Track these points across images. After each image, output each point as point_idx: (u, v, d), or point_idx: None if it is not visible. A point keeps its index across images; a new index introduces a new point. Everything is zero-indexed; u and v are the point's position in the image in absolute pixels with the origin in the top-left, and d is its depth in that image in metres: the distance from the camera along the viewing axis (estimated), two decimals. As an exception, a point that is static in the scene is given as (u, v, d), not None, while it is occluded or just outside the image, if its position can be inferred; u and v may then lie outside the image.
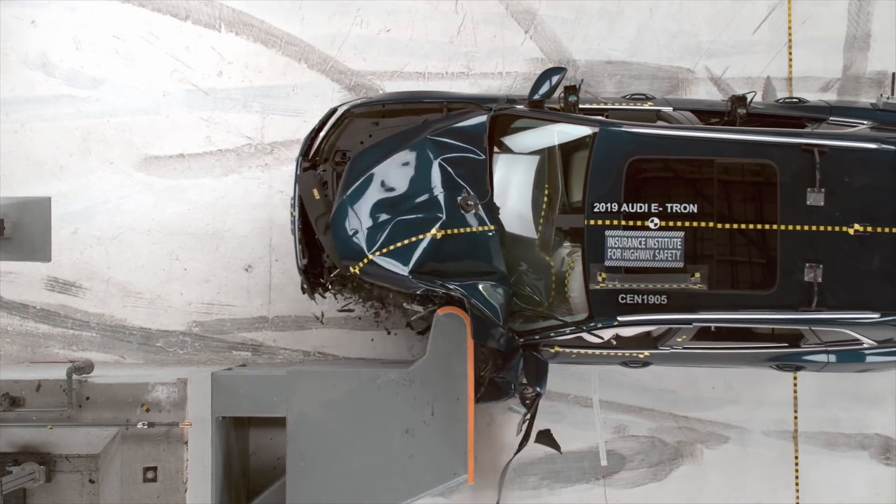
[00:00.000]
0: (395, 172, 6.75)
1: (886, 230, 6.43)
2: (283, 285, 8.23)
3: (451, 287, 6.59)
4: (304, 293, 7.32)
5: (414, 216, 6.68)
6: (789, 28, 8.25)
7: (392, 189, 6.74)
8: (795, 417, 8.23)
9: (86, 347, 8.24)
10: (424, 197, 6.70)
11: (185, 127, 8.22)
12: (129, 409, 6.72)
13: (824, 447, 8.23)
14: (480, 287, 6.58)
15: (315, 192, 7.04)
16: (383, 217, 6.70)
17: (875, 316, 6.44)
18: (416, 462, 7.02)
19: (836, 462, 8.23)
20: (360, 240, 6.68)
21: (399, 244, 6.64)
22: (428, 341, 7.11)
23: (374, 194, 6.73)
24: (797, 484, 8.23)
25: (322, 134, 7.16)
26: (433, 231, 6.63)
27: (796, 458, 8.24)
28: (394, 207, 6.70)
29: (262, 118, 8.19)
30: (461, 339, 7.03)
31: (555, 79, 6.83)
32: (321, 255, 7.14)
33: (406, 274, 6.63)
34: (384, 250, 6.66)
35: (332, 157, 7.12)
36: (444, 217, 6.66)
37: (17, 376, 6.80)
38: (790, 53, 8.23)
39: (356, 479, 7.03)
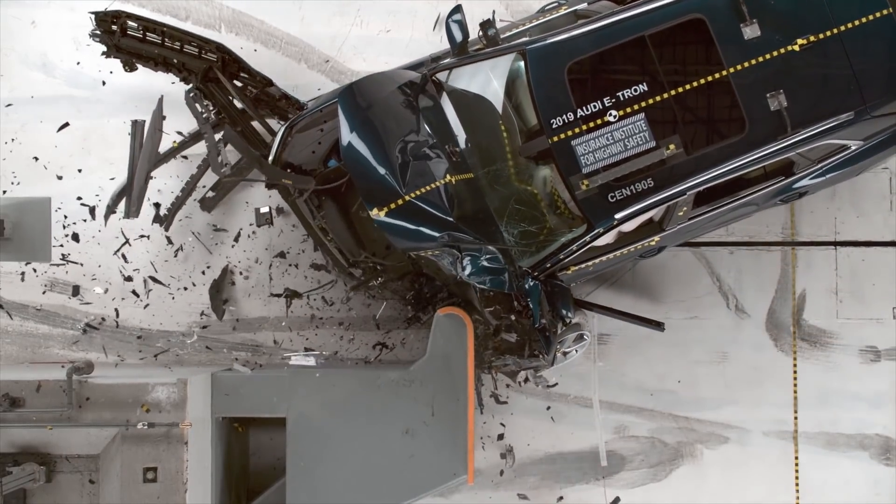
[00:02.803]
0: (389, 118, 6.60)
1: (828, 33, 6.48)
2: (283, 285, 8.22)
3: (478, 243, 6.44)
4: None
5: (424, 161, 6.54)
6: (789, 28, 8.24)
7: (393, 133, 6.56)
8: (795, 417, 8.24)
9: (86, 347, 8.24)
10: (424, 144, 6.59)
11: (185, 127, 8.21)
12: (129, 409, 6.72)
13: (824, 447, 8.23)
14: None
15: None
16: (398, 159, 6.48)
17: (850, 115, 6.50)
18: (416, 462, 7.02)
19: (836, 462, 8.23)
20: (386, 179, 6.39)
21: (428, 188, 6.44)
22: (428, 341, 7.12)
23: (378, 135, 6.53)
24: (797, 484, 8.23)
25: (271, 158, 7.13)
26: (447, 177, 6.54)
27: (796, 458, 8.24)
28: (402, 151, 6.53)
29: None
30: (461, 339, 7.03)
31: (455, 17, 6.75)
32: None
33: (450, 219, 6.39)
34: (418, 192, 6.41)
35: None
36: (447, 164, 6.60)
37: (17, 376, 6.80)
38: (790, 53, 8.23)
39: (356, 480, 7.03)
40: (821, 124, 6.49)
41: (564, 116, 6.46)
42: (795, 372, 8.24)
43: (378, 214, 6.31)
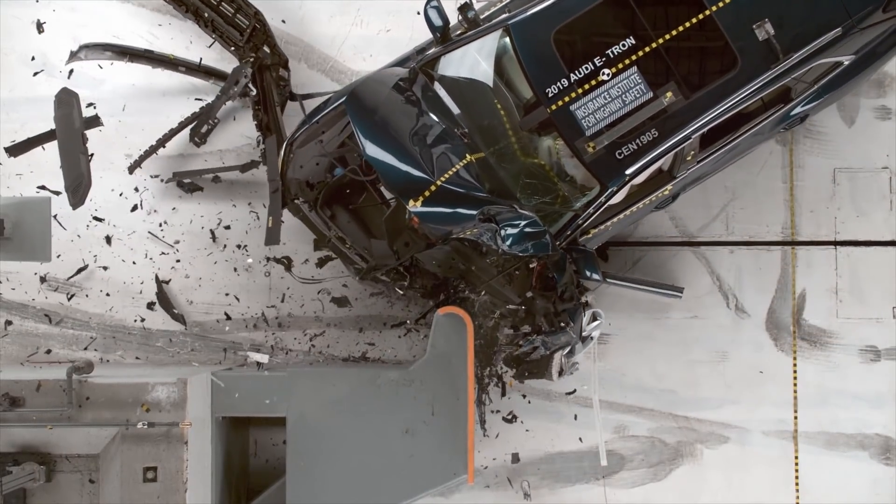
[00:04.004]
0: (396, 115, 6.69)
1: None
2: (283, 284, 8.23)
3: (514, 210, 6.51)
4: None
5: (442, 147, 6.64)
6: (789, 28, 8.25)
7: (405, 127, 6.66)
8: (795, 417, 8.24)
9: (86, 347, 8.24)
10: (436, 131, 6.68)
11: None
12: (129, 409, 6.71)
13: (824, 447, 8.23)
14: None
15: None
16: (417, 151, 6.59)
17: (837, 31, 6.56)
18: (416, 462, 7.02)
19: (836, 462, 8.22)
20: (412, 172, 6.54)
21: (453, 170, 6.56)
22: (428, 341, 7.12)
23: (393, 133, 6.64)
24: (797, 484, 8.22)
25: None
26: (468, 157, 6.63)
27: (796, 458, 8.23)
28: (418, 143, 6.62)
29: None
30: (461, 339, 7.03)
31: (433, 4, 6.82)
32: None
33: (484, 194, 6.53)
34: (446, 176, 6.55)
35: (301, 190, 7.19)
36: (462, 145, 6.67)
37: (17, 376, 6.80)
38: (790, 53, 8.24)
39: (356, 479, 7.03)
40: (810, 45, 6.56)
41: (558, 84, 6.53)
42: (795, 372, 8.24)
43: (415, 206, 6.45)
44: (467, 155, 6.63)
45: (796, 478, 8.23)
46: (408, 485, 7.04)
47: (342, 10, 8.30)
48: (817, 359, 8.24)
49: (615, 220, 7.10)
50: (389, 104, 6.69)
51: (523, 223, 6.49)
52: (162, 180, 8.18)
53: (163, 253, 8.22)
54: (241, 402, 7.19)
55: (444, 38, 6.87)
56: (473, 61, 6.89)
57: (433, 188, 6.47)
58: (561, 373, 7.55)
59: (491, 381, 8.12)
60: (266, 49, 7.61)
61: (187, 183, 8.07)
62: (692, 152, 6.79)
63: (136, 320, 8.23)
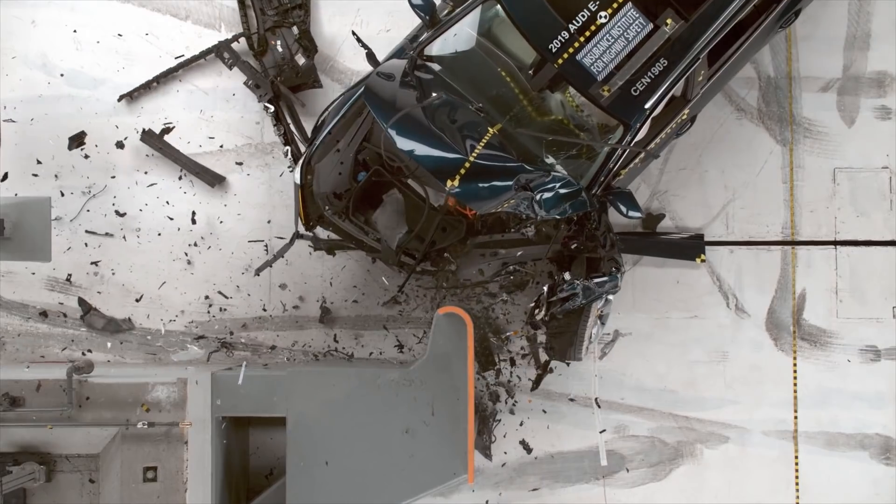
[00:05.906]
0: (413, 102, 6.71)
1: None
2: (283, 284, 8.23)
3: (548, 173, 6.57)
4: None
5: (464, 124, 6.67)
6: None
7: (426, 112, 6.69)
8: (795, 417, 8.24)
9: (86, 347, 8.24)
10: (455, 110, 6.72)
11: (185, 126, 8.22)
12: (129, 409, 6.72)
13: (824, 447, 8.23)
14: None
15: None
16: (444, 130, 6.63)
17: None
18: (416, 462, 7.02)
19: (836, 462, 8.23)
20: (445, 155, 6.58)
21: (481, 144, 6.59)
22: (428, 341, 7.11)
23: (417, 120, 6.66)
24: (797, 484, 8.23)
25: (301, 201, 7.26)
26: (490, 130, 6.65)
27: (796, 458, 8.24)
28: (441, 126, 6.65)
29: (261, 117, 8.20)
30: (461, 339, 7.03)
31: None
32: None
33: (516, 164, 6.56)
34: (476, 151, 6.58)
35: (330, 202, 7.20)
36: (481, 119, 6.70)
37: (17, 376, 6.80)
38: (790, 53, 8.24)
39: (356, 479, 7.03)
40: None
41: (559, 37, 6.55)
42: (795, 371, 8.24)
43: (453, 185, 6.49)
44: (489, 128, 6.66)
45: (796, 478, 8.23)
46: (408, 485, 7.03)
47: (342, 10, 8.30)
48: (817, 358, 8.25)
49: (642, 154, 7.12)
50: (402, 94, 6.71)
51: (558, 185, 6.53)
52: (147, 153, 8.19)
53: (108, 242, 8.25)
54: (242, 401, 7.20)
55: (434, 20, 6.89)
56: (467, 36, 6.90)
57: (467, 164, 6.50)
58: (586, 349, 7.56)
59: (499, 397, 8.13)
60: (295, 30, 7.64)
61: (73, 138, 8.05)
62: (702, 72, 6.82)
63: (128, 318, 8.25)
